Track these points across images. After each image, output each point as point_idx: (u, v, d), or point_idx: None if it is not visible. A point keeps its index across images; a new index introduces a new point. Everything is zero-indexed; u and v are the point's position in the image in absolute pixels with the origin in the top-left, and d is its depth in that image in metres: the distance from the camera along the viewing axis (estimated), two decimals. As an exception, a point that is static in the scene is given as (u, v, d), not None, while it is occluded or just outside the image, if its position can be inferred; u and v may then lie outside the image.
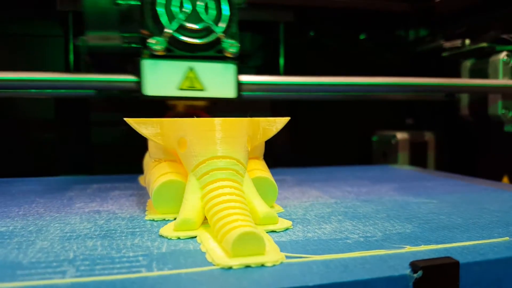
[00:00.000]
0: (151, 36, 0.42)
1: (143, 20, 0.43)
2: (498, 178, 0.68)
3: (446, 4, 0.73)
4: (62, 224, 0.31)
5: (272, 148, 0.40)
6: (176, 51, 0.43)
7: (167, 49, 0.42)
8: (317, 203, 0.39)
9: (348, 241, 0.27)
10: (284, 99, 0.70)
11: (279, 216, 0.32)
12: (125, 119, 0.32)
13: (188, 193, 0.30)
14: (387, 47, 0.82)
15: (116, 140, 0.67)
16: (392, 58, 0.82)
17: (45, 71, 0.45)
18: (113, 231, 0.29)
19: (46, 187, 0.47)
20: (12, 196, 0.42)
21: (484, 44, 0.63)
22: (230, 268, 0.22)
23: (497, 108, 0.63)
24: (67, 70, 0.65)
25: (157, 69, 0.43)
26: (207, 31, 0.44)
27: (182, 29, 0.43)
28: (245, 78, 0.49)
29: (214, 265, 0.22)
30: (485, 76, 0.64)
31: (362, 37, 0.81)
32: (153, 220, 0.32)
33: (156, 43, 0.41)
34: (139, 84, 0.43)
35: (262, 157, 0.38)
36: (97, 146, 0.67)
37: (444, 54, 0.71)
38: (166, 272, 0.22)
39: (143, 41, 0.43)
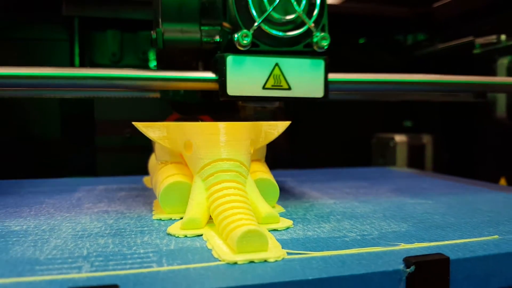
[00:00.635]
0: (234, 29, 0.37)
1: (227, 12, 0.39)
2: (496, 180, 0.70)
3: (444, 9, 0.74)
4: (73, 223, 0.33)
5: (272, 150, 0.41)
6: (262, 45, 0.39)
7: (252, 44, 0.38)
8: (317, 203, 0.40)
9: (346, 239, 0.28)
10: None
11: (280, 216, 0.33)
12: (133, 123, 0.34)
13: (194, 193, 0.31)
14: (386, 51, 0.84)
15: (120, 142, 0.68)
16: (391, 62, 0.83)
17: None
18: (123, 230, 0.31)
19: (53, 189, 0.48)
20: (22, 197, 0.43)
21: None
22: (235, 263, 0.24)
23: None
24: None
25: (241, 66, 0.38)
26: (294, 23, 0.39)
27: (270, 22, 0.38)
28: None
29: (220, 260, 0.24)
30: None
31: (361, 41, 0.83)
32: (160, 219, 0.34)
33: (244, 36, 0.37)
34: (221, 83, 0.38)
35: (264, 159, 0.40)
36: (101, 148, 0.68)
37: (476, 51, 0.68)
38: (175, 267, 0.23)
39: (225, 35, 0.39)
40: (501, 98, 0.64)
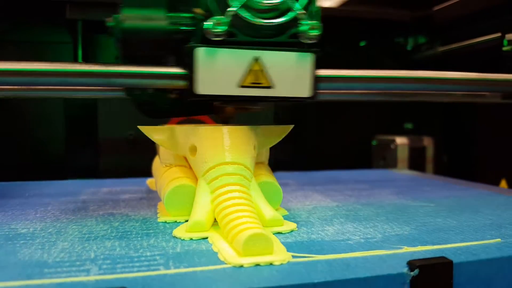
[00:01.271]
0: (207, 16, 0.32)
1: None
2: (496, 182, 0.70)
3: (444, 12, 0.75)
4: (80, 226, 0.33)
5: (274, 152, 0.41)
6: (240, 35, 0.33)
7: (228, 34, 0.32)
8: (320, 206, 0.40)
9: (349, 242, 0.29)
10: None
11: (284, 219, 0.34)
12: (138, 126, 0.34)
13: (199, 196, 0.32)
14: (387, 54, 0.84)
15: (124, 144, 0.68)
16: (391, 65, 0.84)
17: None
18: (129, 233, 0.31)
19: (58, 191, 0.48)
20: (27, 199, 0.44)
21: None
22: (241, 266, 0.24)
23: None
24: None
25: (214, 60, 0.32)
26: (277, 10, 0.33)
27: (249, 8, 0.32)
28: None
29: (226, 263, 0.24)
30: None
31: (362, 44, 0.83)
32: (166, 222, 0.34)
33: (217, 24, 0.31)
34: (189, 80, 0.33)
35: (267, 162, 0.40)
36: (104, 150, 0.68)
37: (505, 48, 0.62)
38: (182, 270, 0.23)
39: (196, 23, 0.33)
40: None
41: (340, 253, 0.26)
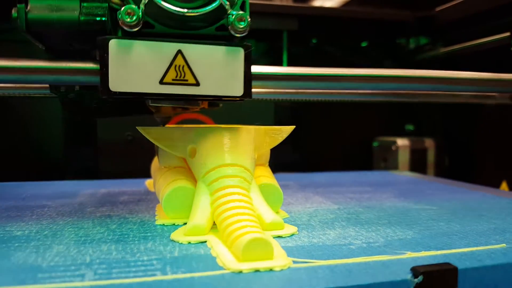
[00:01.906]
0: (124, 5, 0.29)
1: None
2: (497, 184, 0.70)
3: (446, 13, 0.74)
4: (76, 228, 0.32)
5: (274, 154, 0.41)
6: (158, 26, 0.30)
7: (146, 24, 0.30)
8: (321, 209, 0.40)
9: (351, 246, 0.28)
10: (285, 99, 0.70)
11: (284, 222, 0.33)
12: (137, 127, 0.34)
13: (198, 199, 0.31)
14: (388, 55, 0.83)
15: (122, 145, 0.68)
16: (393, 66, 0.83)
17: None
18: (126, 236, 0.30)
19: (55, 192, 0.48)
20: (24, 200, 0.43)
21: None
22: (240, 272, 0.23)
23: None
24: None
25: (130, 53, 0.29)
26: None
27: None
28: (258, 69, 0.36)
29: (225, 269, 0.24)
30: None
31: (363, 44, 0.83)
32: (164, 224, 0.33)
33: (129, 14, 0.28)
34: (103, 75, 0.29)
35: (268, 164, 0.39)
36: (103, 150, 0.68)
37: None
38: (180, 275, 0.23)
39: (112, 13, 0.30)
40: None
41: (342, 258, 0.26)
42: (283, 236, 0.30)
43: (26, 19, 0.30)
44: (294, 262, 0.25)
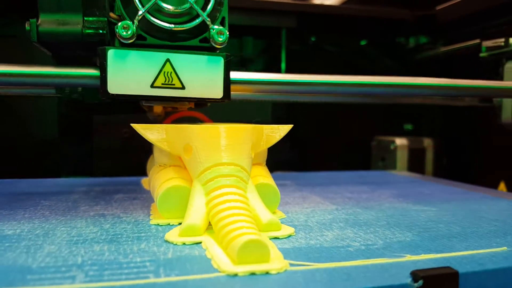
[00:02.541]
0: (121, 20, 0.34)
1: (111, 1, 0.36)
2: (495, 184, 0.69)
3: (447, 12, 0.74)
4: (68, 227, 0.32)
5: (272, 153, 0.40)
6: (150, 38, 0.35)
7: (139, 37, 0.35)
8: (318, 209, 0.39)
9: (350, 249, 0.27)
10: (278, 100, 0.70)
11: (281, 223, 0.32)
12: (131, 124, 0.33)
13: (193, 198, 0.30)
14: (388, 54, 0.83)
15: (118, 143, 0.67)
16: (392, 64, 0.83)
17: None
18: (119, 236, 0.30)
19: (49, 189, 0.47)
20: (16, 198, 0.42)
21: None
22: (235, 275, 0.23)
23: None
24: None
25: (125, 61, 0.34)
26: (189, 14, 0.35)
27: (158, 12, 0.34)
28: (236, 75, 0.42)
29: (220, 271, 0.23)
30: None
31: (363, 43, 0.82)
32: (158, 224, 0.33)
33: (124, 28, 0.33)
34: (102, 80, 0.35)
35: (265, 163, 0.39)
36: (98, 148, 0.67)
37: (482, 54, 0.66)
38: (173, 278, 0.22)
39: (110, 27, 0.36)
40: (507, 103, 0.62)
41: (340, 261, 0.25)
42: (280, 237, 0.30)
43: (37, 32, 0.35)
44: (291, 265, 0.24)
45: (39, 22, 0.35)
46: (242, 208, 0.28)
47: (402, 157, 0.77)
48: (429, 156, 0.79)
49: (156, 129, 0.33)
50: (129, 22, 0.34)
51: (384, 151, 0.79)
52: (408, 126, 0.86)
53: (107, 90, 0.35)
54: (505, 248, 0.28)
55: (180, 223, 0.32)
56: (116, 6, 0.35)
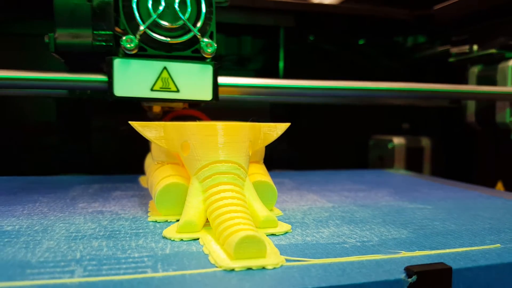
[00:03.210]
0: (125, 34, 0.40)
1: (116, 17, 0.41)
2: (492, 183, 0.69)
3: (445, 12, 0.74)
4: (67, 224, 0.32)
5: (269, 151, 0.41)
6: (150, 50, 0.41)
7: (140, 48, 0.41)
8: (315, 207, 0.40)
9: (345, 245, 0.28)
10: (274, 102, 0.71)
11: (278, 220, 0.33)
12: (130, 122, 0.33)
13: (191, 196, 0.31)
14: (386, 53, 0.83)
15: (116, 141, 0.67)
16: (390, 64, 0.83)
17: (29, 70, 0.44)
18: (117, 232, 0.30)
19: (48, 186, 0.47)
20: (15, 194, 0.43)
21: (493, 50, 0.63)
22: (232, 270, 0.23)
23: (505, 115, 0.62)
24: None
25: (128, 68, 0.40)
26: (183, 29, 0.41)
27: (156, 27, 0.41)
28: (224, 80, 0.48)
29: (217, 267, 0.23)
30: (493, 83, 0.63)
31: (361, 42, 0.82)
32: (156, 221, 0.33)
33: (128, 41, 0.39)
34: (109, 84, 0.41)
35: (262, 161, 0.39)
36: (96, 145, 0.67)
37: (451, 59, 0.70)
38: (171, 273, 0.22)
39: (116, 39, 0.42)
40: (471, 105, 0.69)
41: (336, 257, 0.25)
42: (277, 234, 0.30)
43: (55, 44, 0.41)
44: (287, 260, 0.24)
45: (56, 35, 0.41)
46: (239, 205, 0.28)
47: (399, 156, 0.78)
48: (427, 155, 0.80)
49: (154, 126, 0.34)
50: (132, 36, 0.40)
51: (382, 150, 0.79)
52: (406, 125, 0.86)
53: (113, 93, 0.41)
54: (498, 245, 0.29)
55: (177, 220, 0.32)
56: (120, 21, 0.41)
